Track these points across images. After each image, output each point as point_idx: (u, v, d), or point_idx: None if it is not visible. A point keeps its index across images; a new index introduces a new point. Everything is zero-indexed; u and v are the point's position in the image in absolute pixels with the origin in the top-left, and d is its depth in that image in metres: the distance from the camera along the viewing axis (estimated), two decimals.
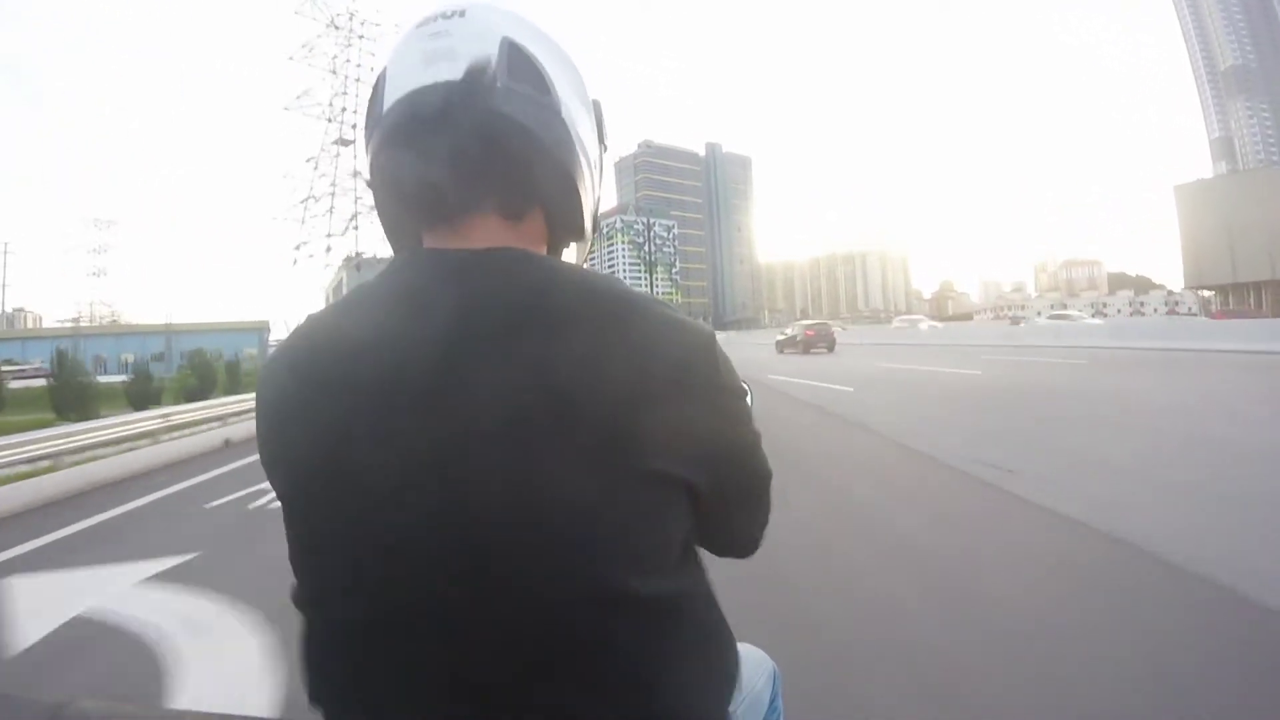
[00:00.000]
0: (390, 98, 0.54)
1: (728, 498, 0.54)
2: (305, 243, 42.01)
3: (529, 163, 0.53)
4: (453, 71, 0.52)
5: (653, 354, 0.48)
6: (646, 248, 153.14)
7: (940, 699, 1.90)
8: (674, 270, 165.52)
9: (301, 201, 42.45)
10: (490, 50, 0.53)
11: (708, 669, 0.53)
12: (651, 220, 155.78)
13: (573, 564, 0.45)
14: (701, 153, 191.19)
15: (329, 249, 42.41)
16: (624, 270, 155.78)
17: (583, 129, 0.59)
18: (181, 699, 2.07)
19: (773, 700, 0.77)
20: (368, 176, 0.57)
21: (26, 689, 0.44)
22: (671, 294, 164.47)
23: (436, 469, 0.45)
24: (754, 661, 0.76)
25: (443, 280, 0.50)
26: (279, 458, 0.52)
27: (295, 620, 0.53)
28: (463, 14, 0.54)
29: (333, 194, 42.36)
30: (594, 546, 0.45)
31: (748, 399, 0.58)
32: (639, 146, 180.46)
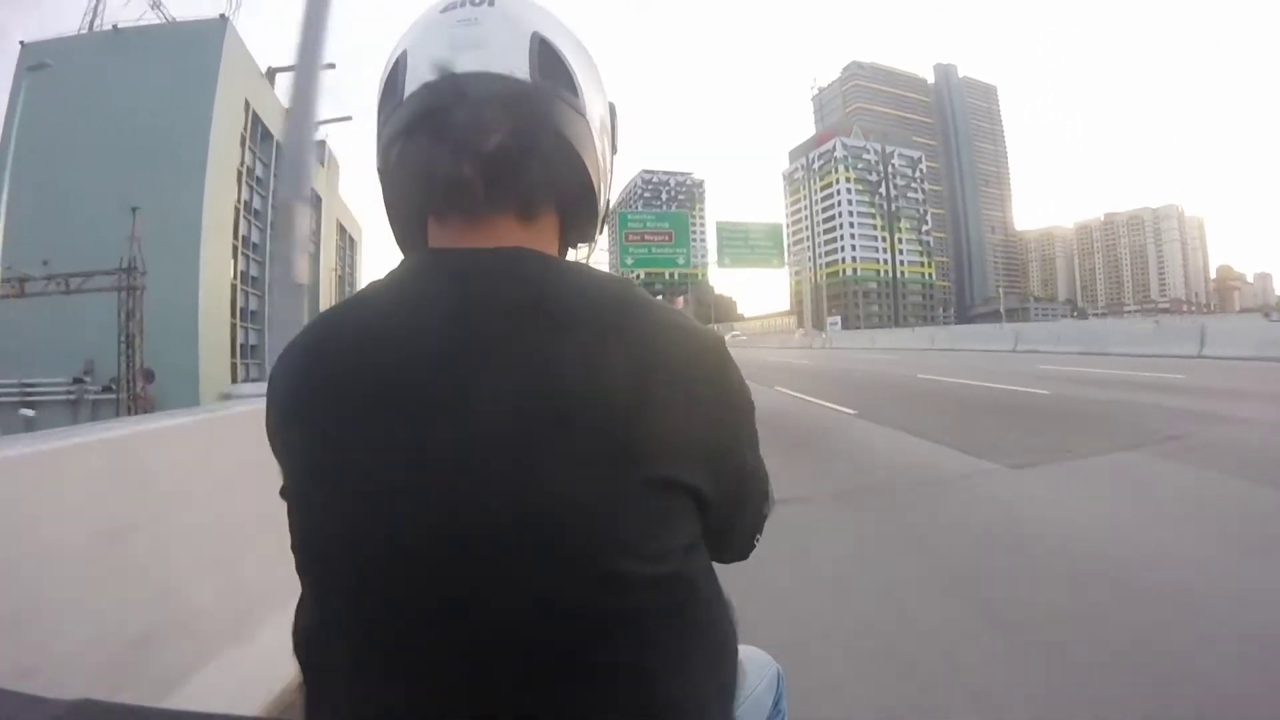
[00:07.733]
0: (413, 82, 0.52)
1: (729, 505, 0.53)
2: None
3: (556, 165, 0.53)
4: (482, 62, 0.50)
5: (656, 358, 0.47)
6: (884, 189, 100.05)
7: None
8: (924, 228, 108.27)
9: None
10: (522, 44, 0.52)
11: (711, 672, 0.53)
12: (889, 149, 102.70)
13: (575, 566, 0.44)
14: (930, 79, 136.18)
15: None
16: (849, 222, 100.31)
17: (602, 132, 0.59)
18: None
19: (776, 702, 0.76)
20: (379, 164, 0.55)
21: (33, 688, 0.40)
22: (922, 265, 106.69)
23: (437, 471, 0.45)
24: (757, 663, 0.76)
25: (446, 281, 0.50)
26: (283, 455, 0.52)
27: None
28: (491, 2, 0.53)
29: None
30: (597, 550, 0.44)
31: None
32: (844, 70, 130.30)
